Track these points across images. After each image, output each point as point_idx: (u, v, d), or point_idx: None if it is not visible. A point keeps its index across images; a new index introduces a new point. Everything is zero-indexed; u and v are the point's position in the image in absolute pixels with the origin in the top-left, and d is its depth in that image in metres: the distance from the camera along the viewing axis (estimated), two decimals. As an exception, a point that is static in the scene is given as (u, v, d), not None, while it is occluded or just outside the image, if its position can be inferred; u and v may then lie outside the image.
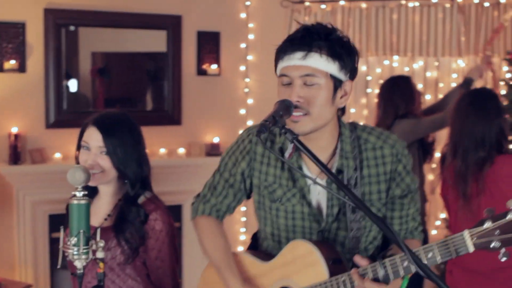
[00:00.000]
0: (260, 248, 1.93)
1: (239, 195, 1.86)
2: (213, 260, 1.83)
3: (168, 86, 4.54)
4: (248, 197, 1.87)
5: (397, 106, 3.46)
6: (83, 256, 1.85)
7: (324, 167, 1.46)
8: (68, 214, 1.90)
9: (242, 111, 4.79)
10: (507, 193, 2.50)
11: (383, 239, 1.81)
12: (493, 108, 2.61)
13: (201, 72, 4.65)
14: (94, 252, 1.88)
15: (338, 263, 1.66)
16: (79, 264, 1.86)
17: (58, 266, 1.90)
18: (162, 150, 4.48)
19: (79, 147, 2.14)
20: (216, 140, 4.64)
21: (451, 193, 2.67)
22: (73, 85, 4.33)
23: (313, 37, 1.60)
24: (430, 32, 4.29)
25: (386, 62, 4.47)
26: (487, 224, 1.37)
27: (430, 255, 1.43)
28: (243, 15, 4.74)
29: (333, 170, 1.68)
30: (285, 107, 1.56)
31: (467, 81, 3.31)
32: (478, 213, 2.40)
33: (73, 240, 1.86)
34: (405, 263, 1.45)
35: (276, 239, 1.80)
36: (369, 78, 4.53)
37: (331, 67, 1.60)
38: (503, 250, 1.35)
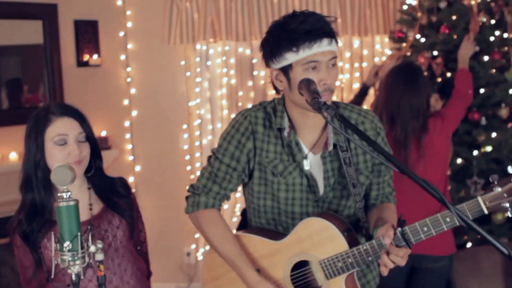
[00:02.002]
0: (250, 223, 2.01)
1: (242, 177, 1.93)
2: (223, 254, 1.89)
3: (48, 80, 4.24)
4: (250, 176, 1.93)
5: None
6: (78, 262, 1.75)
7: (367, 139, 1.55)
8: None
9: (126, 102, 4.64)
10: (440, 150, 2.84)
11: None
12: (423, 81, 2.90)
13: (82, 64, 4.42)
14: (90, 255, 1.77)
15: (349, 233, 1.81)
16: (75, 270, 1.75)
17: (52, 277, 1.76)
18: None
19: (38, 147, 1.95)
20: (103, 133, 4.44)
21: None
22: None
23: (328, 24, 1.77)
24: (309, 14, 4.51)
25: (270, 45, 4.62)
26: (496, 190, 1.63)
27: (448, 219, 1.66)
28: (119, 2, 4.58)
29: (331, 145, 1.85)
30: (312, 84, 1.73)
31: (364, 88, 3.56)
32: (424, 177, 2.66)
33: (67, 245, 1.74)
34: (425, 228, 1.67)
35: (275, 211, 1.92)
36: (254, 61, 4.65)
37: (337, 48, 1.83)
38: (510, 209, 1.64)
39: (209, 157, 1.99)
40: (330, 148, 1.85)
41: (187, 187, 2.00)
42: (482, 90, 3.38)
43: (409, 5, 3.78)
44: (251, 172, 1.92)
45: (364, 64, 4.67)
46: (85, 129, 1.96)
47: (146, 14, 4.63)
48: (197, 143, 4.68)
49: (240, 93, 4.67)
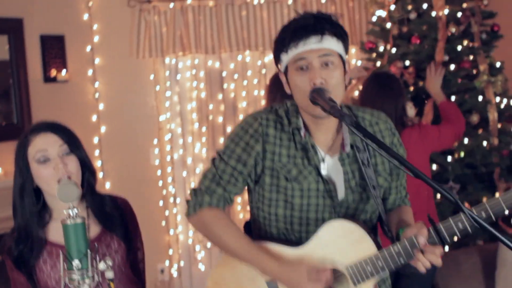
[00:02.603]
0: (259, 234, 1.91)
1: (247, 181, 1.84)
2: (235, 250, 1.78)
3: (15, 97, 4.13)
4: (256, 182, 1.84)
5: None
6: (88, 280, 1.71)
7: (384, 147, 1.56)
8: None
9: (94, 118, 4.56)
10: (415, 160, 2.89)
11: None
12: (397, 88, 2.96)
13: (49, 79, 4.32)
14: (100, 273, 1.73)
15: (373, 236, 1.75)
16: (85, 288, 1.71)
17: (62, 298, 1.71)
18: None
19: (21, 170, 1.88)
20: (72, 150, 4.34)
21: None
22: None
23: (323, 22, 1.71)
24: (278, 27, 4.56)
25: (240, 57, 4.65)
26: None
27: (483, 213, 1.61)
28: (86, 17, 4.51)
29: (348, 146, 1.78)
30: (324, 92, 1.67)
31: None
32: None
33: (76, 263, 1.70)
34: (460, 225, 1.62)
35: (288, 220, 1.82)
36: (224, 74, 4.66)
37: (340, 47, 1.73)
38: None
39: (213, 159, 1.87)
40: (348, 149, 1.78)
41: (189, 191, 1.89)
42: (453, 98, 3.49)
43: (379, 16, 3.88)
44: (258, 177, 1.83)
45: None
46: (68, 142, 1.87)
47: (113, 28, 4.58)
48: (168, 158, 4.64)
49: (211, 106, 4.67)
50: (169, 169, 4.64)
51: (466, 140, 3.49)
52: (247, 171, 1.81)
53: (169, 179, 4.65)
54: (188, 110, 4.67)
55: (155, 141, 4.64)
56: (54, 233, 1.89)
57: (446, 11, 3.55)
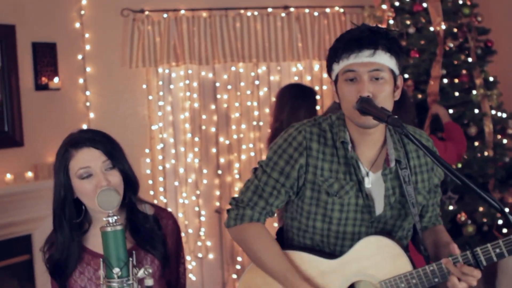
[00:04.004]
0: (291, 243, 1.92)
1: (289, 193, 1.83)
2: (271, 269, 1.80)
3: (6, 104, 4.04)
4: (297, 194, 1.84)
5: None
6: (127, 288, 1.68)
7: (434, 156, 1.58)
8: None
9: (85, 127, 4.50)
10: None
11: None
12: (408, 101, 3.03)
13: (40, 87, 4.25)
14: (139, 280, 1.71)
15: (409, 254, 1.77)
16: (123, 297, 1.69)
17: (102, 306, 1.68)
18: (8, 176, 3.98)
19: (62, 183, 1.83)
20: (63, 159, 4.27)
21: None
22: None
23: (378, 36, 1.70)
24: (271, 39, 4.60)
25: (233, 68, 4.66)
26: None
27: None
28: (77, 25, 4.46)
29: (393, 161, 1.79)
30: (373, 101, 1.68)
31: None
32: None
33: (117, 271, 1.68)
34: (498, 250, 1.64)
35: (325, 233, 1.83)
36: (217, 84, 4.67)
37: (392, 63, 1.73)
38: None
39: (255, 169, 1.88)
40: (392, 164, 1.78)
41: (230, 201, 1.89)
42: (451, 111, 3.58)
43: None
44: (299, 189, 1.83)
45: (324, 87, 4.80)
46: (111, 157, 1.83)
47: (105, 37, 4.54)
48: (160, 168, 4.60)
49: (203, 117, 4.66)
50: (160, 179, 4.60)
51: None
52: (290, 183, 1.81)
53: (161, 189, 4.61)
54: (180, 120, 4.65)
55: (147, 151, 4.60)
56: (93, 242, 1.86)
57: (443, 27, 3.64)
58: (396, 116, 1.62)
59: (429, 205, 1.92)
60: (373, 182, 1.81)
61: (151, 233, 1.88)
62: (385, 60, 1.71)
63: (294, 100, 3.42)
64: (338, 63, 1.74)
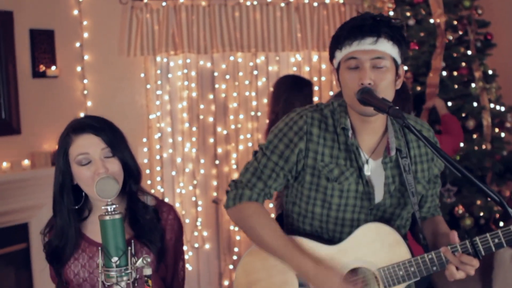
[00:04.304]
0: (291, 229, 1.93)
1: (288, 177, 1.84)
2: (272, 246, 1.79)
3: (3, 92, 4.02)
4: (295, 178, 1.85)
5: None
6: (125, 277, 1.68)
7: (434, 148, 1.58)
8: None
9: (82, 115, 4.48)
10: None
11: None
12: (405, 93, 3.01)
13: (37, 74, 4.22)
14: (137, 270, 1.71)
15: (408, 242, 1.78)
16: (123, 286, 1.68)
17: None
18: (5, 164, 3.96)
19: (61, 169, 1.83)
20: (60, 147, 4.25)
21: None
22: None
23: (381, 24, 1.70)
24: (270, 29, 4.58)
25: (231, 58, 4.64)
26: None
27: None
28: (76, 12, 4.42)
29: (393, 150, 1.79)
30: (374, 92, 1.67)
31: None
32: None
33: (115, 260, 1.67)
34: (496, 240, 1.65)
35: (324, 219, 1.84)
36: (215, 74, 4.65)
37: (394, 51, 1.73)
38: None
39: (255, 152, 1.89)
40: (393, 152, 1.78)
41: (229, 183, 1.90)
42: (450, 104, 3.57)
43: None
44: (298, 173, 1.84)
45: (323, 78, 4.79)
46: (111, 145, 1.82)
47: (103, 25, 4.50)
48: (157, 157, 4.59)
49: (201, 106, 4.65)
50: (158, 168, 4.60)
51: (461, 144, 3.57)
52: (288, 167, 1.82)
53: (158, 178, 4.60)
54: (178, 109, 4.63)
55: (144, 140, 4.59)
56: (91, 230, 1.85)
57: (443, 19, 3.63)
58: (397, 107, 1.61)
59: (428, 196, 1.92)
60: (373, 169, 1.82)
61: (150, 225, 1.87)
62: (387, 48, 1.71)
63: (290, 92, 3.41)
64: (340, 50, 1.73)
